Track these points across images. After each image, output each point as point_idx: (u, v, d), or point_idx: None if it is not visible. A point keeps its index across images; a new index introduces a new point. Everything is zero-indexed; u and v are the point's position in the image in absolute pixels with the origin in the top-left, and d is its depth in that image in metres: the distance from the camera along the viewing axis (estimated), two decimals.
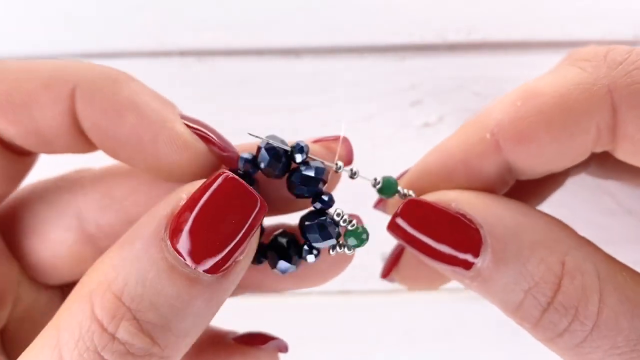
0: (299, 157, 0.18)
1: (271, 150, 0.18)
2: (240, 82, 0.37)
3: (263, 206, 0.17)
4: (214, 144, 0.20)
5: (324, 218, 0.18)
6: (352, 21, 0.37)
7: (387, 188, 0.20)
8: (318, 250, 0.19)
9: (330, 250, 0.19)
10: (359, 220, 0.22)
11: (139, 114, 0.19)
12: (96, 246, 0.23)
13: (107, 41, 0.36)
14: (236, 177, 0.17)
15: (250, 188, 0.17)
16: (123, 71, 0.20)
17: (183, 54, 0.37)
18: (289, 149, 0.18)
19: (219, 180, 0.16)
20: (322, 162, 0.19)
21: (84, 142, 0.20)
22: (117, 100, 0.19)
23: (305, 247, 0.19)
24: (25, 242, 0.22)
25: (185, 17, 0.36)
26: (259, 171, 0.19)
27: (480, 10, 0.37)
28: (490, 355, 0.39)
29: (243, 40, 0.37)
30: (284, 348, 0.24)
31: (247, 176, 0.19)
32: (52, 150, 0.21)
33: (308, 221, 0.19)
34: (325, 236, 0.18)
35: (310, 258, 0.19)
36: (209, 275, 0.16)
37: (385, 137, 0.37)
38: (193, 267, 0.16)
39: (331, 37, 0.37)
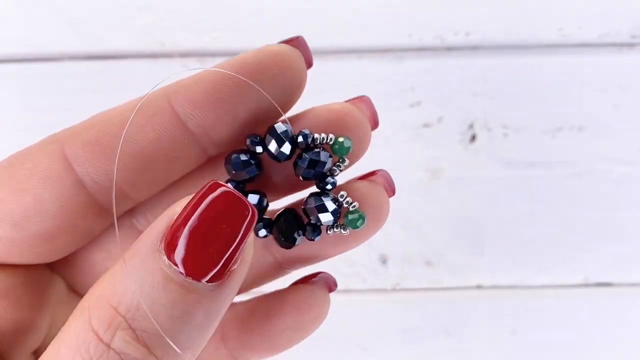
0: (301, 144, 0.19)
1: (275, 134, 0.19)
2: None
3: (254, 214, 0.17)
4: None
5: (324, 196, 0.19)
6: (352, 23, 0.37)
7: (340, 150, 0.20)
8: (319, 229, 0.20)
9: (328, 230, 0.20)
10: (385, 202, 0.22)
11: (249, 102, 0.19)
12: None
13: (109, 42, 0.37)
14: (225, 185, 0.17)
15: (239, 195, 0.17)
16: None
17: (184, 55, 0.37)
18: (293, 134, 0.19)
19: (209, 191, 0.17)
20: (328, 153, 0.19)
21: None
22: (220, 96, 0.19)
23: (308, 226, 0.20)
24: (76, 257, 0.22)
25: (186, 19, 0.37)
26: (265, 152, 0.20)
27: (478, 12, 0.37)
28: (489, 355, 0.40)
29: (244, 41, 0.37)
30: (333, 284, 0.24)
31: (253, 156, 0.20)
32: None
33: (309, 199, 0.20)
34: (321, 209, 0.19)
35: (310, 234, 0.20)
36: (205, 284, 0.16)
37: (384, 137, 0.38)
38: (187, 278, 0.16)
39: (330, 38, 0.37)
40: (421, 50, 0.37)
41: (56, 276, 0.22)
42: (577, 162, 0.38)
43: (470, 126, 0.38)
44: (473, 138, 0.38)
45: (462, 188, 0.38)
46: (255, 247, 0.19)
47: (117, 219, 0.21)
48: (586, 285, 0.39)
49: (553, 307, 0.39)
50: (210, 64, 0.37)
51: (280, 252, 0.22)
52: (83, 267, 0.22)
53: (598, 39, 0.37)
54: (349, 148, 0.19)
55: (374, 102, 0.20)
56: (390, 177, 0.22)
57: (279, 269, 0.22)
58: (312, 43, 0.40)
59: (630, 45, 0.37)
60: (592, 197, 0.38)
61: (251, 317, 0.22)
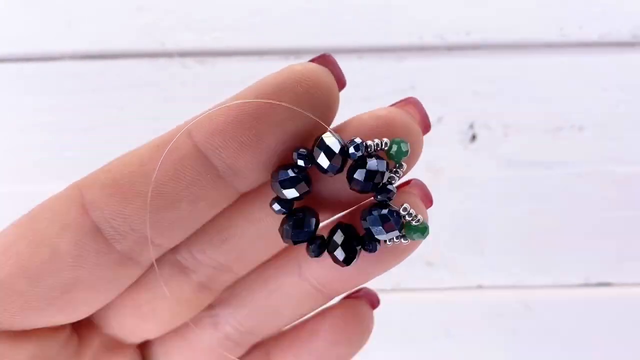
0: (354, 155, 0.17)
1: (324, 146, 0.17)
2: (240, 82, 0.37)
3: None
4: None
5: (386, 210, 0.18)
6: (352, 22, 0.37)
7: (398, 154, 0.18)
8: (378, 241, 0.19)
9: (388, 241, 0.19)
10: (424, 214, 0.20)
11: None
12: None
13: (108, 42, 0.37)
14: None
15: None
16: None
17: (184, 54, 0.37)
18: (342, 144, 0.18)
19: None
20: (384, 161, 0.18)
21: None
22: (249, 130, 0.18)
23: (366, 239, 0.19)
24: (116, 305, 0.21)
25: (185, 18, 0.37)
26: (313, 166, 0.18)
27: (478, 12, 0.37)
28: (489, 355, 0.40)
29: (243, 41, 0.37)
30: (376, 301, 0.22)
31: (301, 171, 0.18)
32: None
33: (371, 213, 0.18)
34: (389, 228, 0.18)
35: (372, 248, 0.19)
36: None
37: None
38: None
39: (331, 38, 0.37)
40: (421, 49, 0.37)
41: (85, 339, 0.21)
42: (577, 162, 0.38)
43: (470, 126, 0.38)
44: (473, 138, 0.38)
45: (462, 188, 0.38)
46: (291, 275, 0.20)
47: (147, 266, 0.20)
48: (586, 285, 0.39)
49: (553, 307, 0.39)
50: (210, 64, 0.37)
51: (314, 276, 0.20)
52: (126, 311, 0.21)
53: (598, 38, 0.37)
54: (407, 152, 0.18)
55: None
56: (426, 186, 0.20)
57: (320, 296, 0.21)
58: (312, 43, 0.40)
59: (631, 44, 0.37)
60: (592, 197, 0.38)
61: (296, 338, 0.21)
